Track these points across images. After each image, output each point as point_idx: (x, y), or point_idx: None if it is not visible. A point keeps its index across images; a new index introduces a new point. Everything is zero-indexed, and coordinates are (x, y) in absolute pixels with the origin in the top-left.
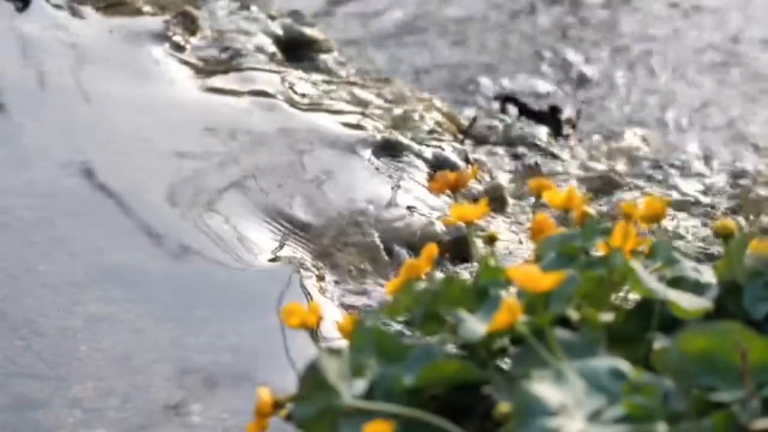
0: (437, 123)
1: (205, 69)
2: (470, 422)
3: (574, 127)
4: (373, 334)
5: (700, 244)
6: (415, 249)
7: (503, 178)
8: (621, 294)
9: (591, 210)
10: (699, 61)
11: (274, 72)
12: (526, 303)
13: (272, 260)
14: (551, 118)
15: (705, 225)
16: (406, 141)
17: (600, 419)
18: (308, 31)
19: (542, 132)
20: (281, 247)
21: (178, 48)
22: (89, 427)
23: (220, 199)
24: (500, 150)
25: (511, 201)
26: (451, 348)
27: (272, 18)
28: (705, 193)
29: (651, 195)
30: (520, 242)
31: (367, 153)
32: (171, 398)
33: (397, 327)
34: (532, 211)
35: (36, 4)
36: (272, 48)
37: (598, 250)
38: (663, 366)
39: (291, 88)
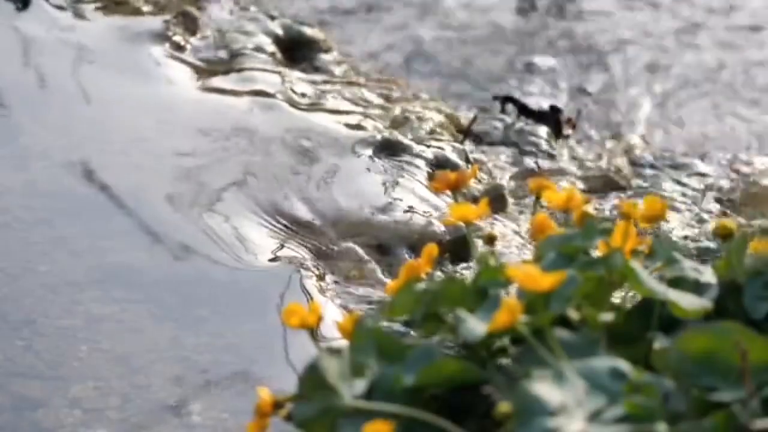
0: (437, 123)
1: (205, 69)
2: (470, 422)
3: (574, 127)
4: (373, 334)
5: (700, 244)
6: (415, 249)
7: (503, 178)
8: (621, 293)
9: (591, 210)
10: (699, 60)
11: (274, 72)
12: (526, 303)
13: (272, 260)
14: (551, 118)
15: (704, 224)
16: (406, 141)
17: (600, 419)
18: (308, 31)
19: (542, 132)
20: (281, 247)
21: (178, 48)
22: (89, 427)
23: (220, 198)
24: (500, 150)
25: (511, 201)
26: (451, 348)
27: (272, 18)
28: (704, 192)
29: (651, 195)
30: (521, 242)
31: (367, 153)
32: (171, 398)
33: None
34: (532, 211)
35: (36, 4)
36: (272, 48)
37: (598, 250)
38: (663, 366)
39: (291, 88)
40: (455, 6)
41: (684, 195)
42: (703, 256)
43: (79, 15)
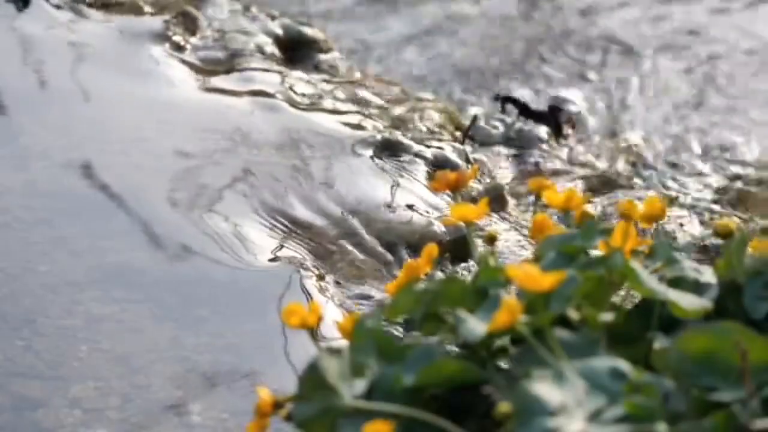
0: (437, 123)
1: (205, 69)
2: (470, 422)
3: (574, 127)
4: (373, 334)
5: (699, 244)
6: (415, 249)
7: (503, 178)
8: (621, 294)
9: (591, 210)
10: (699, 61)
11: (274, 72)
12: (526, 303)
13: (272, 260)
14: (551, 118)
15: (703, 224)
16: (406, 141)
17: (600, 419)
18: (308, 31)
19: (542, 132)
20: (281, 247)
21: (178, 48)
22: (89, 427)
23: (220, 198)
24: (500, 150)
25: (511, 201)
26: (451, 348)
27: (272, 18)
28: (704, 192)
29: (651, 195)
30: (520, 242)
31: (367, 153)
32: (171, 398)
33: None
34: (532, 211)
35: (36, 4)
36: (272, 48)
37: (598, 250)
38: (663, 366)
39: (291, 88)
40: (457, 4)
41: (684, 195)
42: (703, 255)
43: (79, 15)
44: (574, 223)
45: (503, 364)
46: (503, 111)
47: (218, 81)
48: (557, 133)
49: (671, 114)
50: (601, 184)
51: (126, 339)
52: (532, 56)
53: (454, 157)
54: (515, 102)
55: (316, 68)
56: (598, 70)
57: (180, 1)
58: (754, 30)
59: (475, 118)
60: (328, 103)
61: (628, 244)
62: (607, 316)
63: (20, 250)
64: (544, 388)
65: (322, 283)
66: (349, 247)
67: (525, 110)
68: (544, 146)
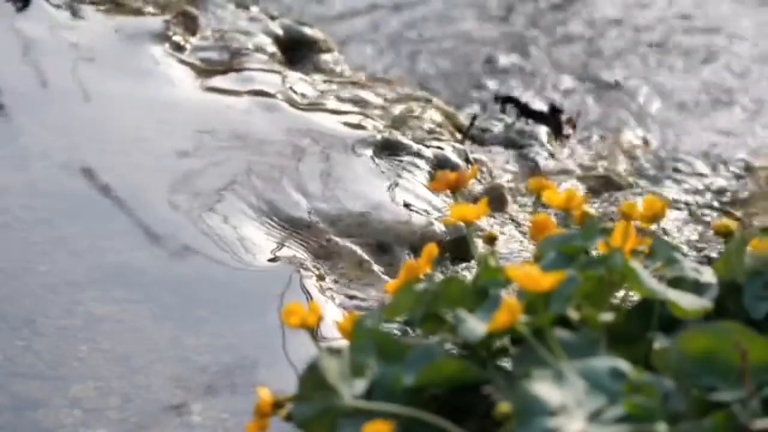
0: (437, 123)
1: (205, 69)
2: (470, 422)
3: (574, 127)
4: (373, 334)
5: (699, 244)
6: (415, 249)
7: (503, 178)
8: (621, 294)
9: (591, 210)
10: (699, 61)
11: (274, 72)
12: (526, 303)
13: (272, 260)
14: (551, 118)
15: (704, 225)
16: (406, 141)
17: (600, 419)
18: (308, 31)
19: (542, 132)
20: (281, 247)
21: (178, 48)
22: (89, 427)
23: (219, 198)
24: (500, 150)
25: (511, 201)
26: (451, 348)
27: (272, 18)
28: (704, 192)
29: (651, 195)
30: (521, 242)
31: (367, 153)
32: (171, 398)
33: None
34: (532, 211)
35: (36, 4)
36: (272, 48)
37: (598, 250)
38: (663, 366)
39: (291, 88)
40: (456, 4)
41: (684, 195)
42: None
43: (79, 15)
44: (574, 223)
45: (503, 364)
46: (503, 111)
47: (218, 81)
48: (557, 133)
49: (672, 113)
50: (602, 185)
51: (126, 339)
52: (533, 55)
53: (454, 157)
54: (515, 102)
55: (316, 68)
56: (600, 69)
57: (180, 1)
58: (757, 30)
59: (475, 118)
60: (328, 103)
61: (628, 244)
62: (607, 316)
63: (20, 250)
64: (544, 388)
65: (322, 283)
66: (349, 247)
67: (525, 110)
68: (544, 146)
